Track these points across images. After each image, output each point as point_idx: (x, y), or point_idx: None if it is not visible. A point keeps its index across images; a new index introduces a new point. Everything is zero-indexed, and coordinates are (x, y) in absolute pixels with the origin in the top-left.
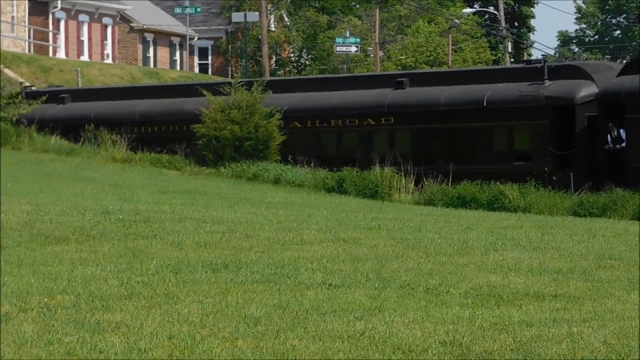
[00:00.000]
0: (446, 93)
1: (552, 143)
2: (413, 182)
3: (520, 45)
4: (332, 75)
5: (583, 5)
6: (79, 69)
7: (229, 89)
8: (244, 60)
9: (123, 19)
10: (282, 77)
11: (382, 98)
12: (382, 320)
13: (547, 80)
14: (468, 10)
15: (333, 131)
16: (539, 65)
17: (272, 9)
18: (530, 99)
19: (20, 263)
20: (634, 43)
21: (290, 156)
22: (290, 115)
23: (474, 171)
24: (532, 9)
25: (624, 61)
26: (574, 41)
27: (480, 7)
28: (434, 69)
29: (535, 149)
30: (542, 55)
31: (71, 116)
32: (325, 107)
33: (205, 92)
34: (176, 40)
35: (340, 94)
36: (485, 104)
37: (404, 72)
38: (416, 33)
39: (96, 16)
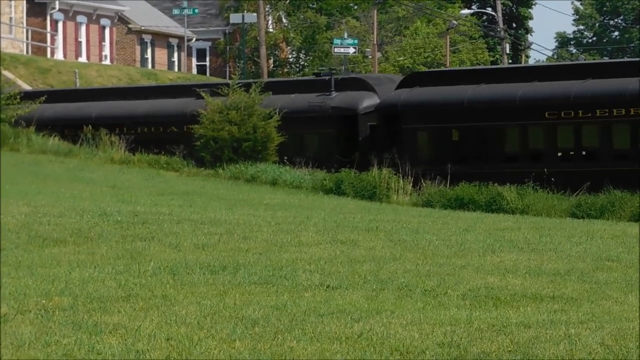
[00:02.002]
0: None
1: (338, 150)
2: (411, 184)
3: (518, 46)
4: (141, 85)
5: (581, 7)
6: (76, 70)
7: (227, 90)
8: (242, 61)
9: (121, 20)
10: (93, 87)
11: (183, 107)
12: (379, 321)
13: (333, 92)
14: (466, 11)
15: (140, 139)
16: (327, 77)
17: (270, 10)
18: (317, 109)
19: (18, 265)
20: (632, 44)
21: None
22: (102, 124)
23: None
24: (530, 10)
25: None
26: (571, 42)
27: (478, 9)
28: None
29: (323, 155)
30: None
31: None
32: (133, 115)
33: (204, 94)
34: (174, 41)
35: (148, 103)
36: (277, 113)
37: (205, 83)
38: (414, 34)
39: (94, 17)
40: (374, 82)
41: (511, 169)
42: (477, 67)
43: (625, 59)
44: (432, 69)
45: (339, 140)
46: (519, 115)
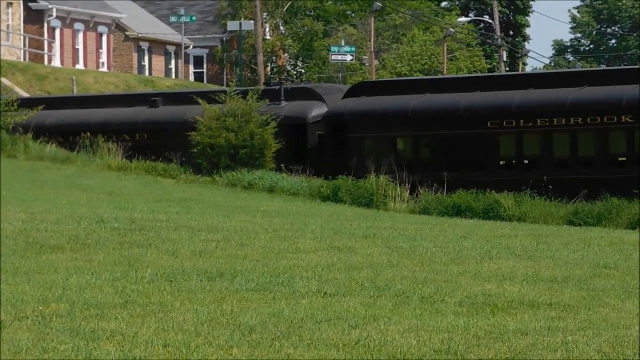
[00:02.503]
0: (194, 111)
1: (288, 158)
2: (408, 191)
3: (515, 54)
4: (99, 94)
5: (578, 15)
6: (74, 77)
7: (224, 97)
8: (239, 68)
9: (118, 27)
10: (58, 95)
11: (137, 116)
12: (377, 328)
13: (283, 101)
14: (463, 19)
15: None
16: (277, 87)
17: (267, 18)
18: (268, 117)
19: (15, 271)
20: (629, 52)
21: None
22: (60, 131)
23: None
24: (527, 17)
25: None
26: (569, 50)
27: (475, 16)
28: (184, 90)
29: (274, 163)
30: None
31: None
32: (89, 123)
33: (200, 101)
34: (171, 48)
35: (105, 112)
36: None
37: (157, 92)
38: (411, 42)
39: (91, 24)
40: (323, 91)
41: (455, 177)
42: (422, 77)
43: (566, 69)
44: (378, 79)
45: (288, 149)
46: (462, 124)
